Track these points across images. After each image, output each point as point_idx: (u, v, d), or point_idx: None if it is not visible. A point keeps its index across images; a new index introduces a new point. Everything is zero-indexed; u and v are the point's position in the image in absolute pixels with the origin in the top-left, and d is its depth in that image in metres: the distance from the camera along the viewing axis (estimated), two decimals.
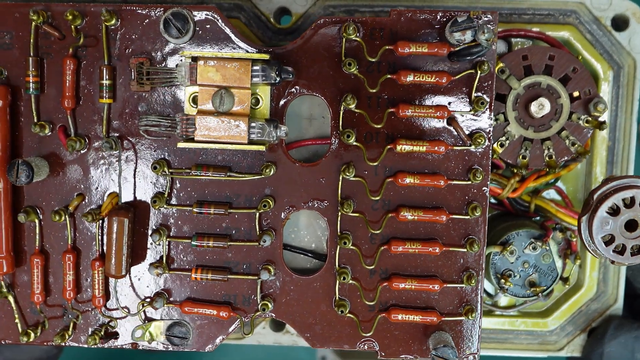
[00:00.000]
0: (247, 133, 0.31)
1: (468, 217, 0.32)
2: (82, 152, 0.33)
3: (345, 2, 0.36)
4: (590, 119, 0.33)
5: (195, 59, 0.31)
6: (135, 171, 0.33)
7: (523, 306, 0.37)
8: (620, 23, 0.36)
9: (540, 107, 0.33)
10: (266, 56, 0.31)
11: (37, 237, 0.33)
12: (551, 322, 0.38)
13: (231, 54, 0.31)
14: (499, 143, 0.34)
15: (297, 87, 0.32)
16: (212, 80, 0.30)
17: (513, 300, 0.37)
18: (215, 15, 0.32)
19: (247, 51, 0.32)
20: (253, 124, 0.31)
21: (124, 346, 0.33)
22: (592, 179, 0.37)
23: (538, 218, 0.37)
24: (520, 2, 0.36)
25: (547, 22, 0.36)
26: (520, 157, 0.34)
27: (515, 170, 0.34)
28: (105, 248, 0.32)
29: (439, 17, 0.31)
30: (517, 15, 0.36)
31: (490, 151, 0.31)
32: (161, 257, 0.33)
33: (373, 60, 0.31)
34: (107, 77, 0.32)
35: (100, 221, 0.33)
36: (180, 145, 0.31)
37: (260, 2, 0.37)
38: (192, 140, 0.31)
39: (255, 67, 0.30)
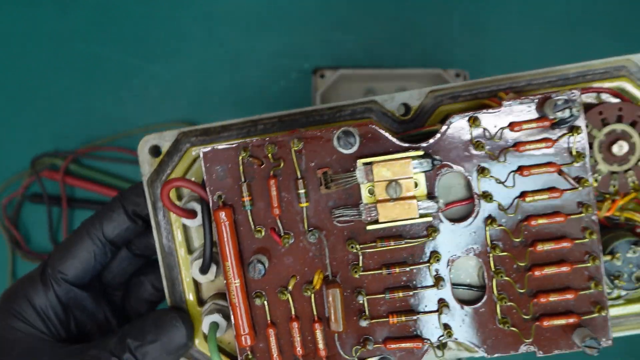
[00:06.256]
0: (417, 210, 0.42)
1: (586, 240, 0.43)
2: (290, 244, 0.43)
3: (449, 91, 0.47)
4: None
5: (369, 163, 0.42)
6: (332, 251, 0.43)
7: (627, 295, 0.47)
8: None
9: (621, 148, 0.44)
10: (421, 152, 0.42)
11: (268, 313, 0.44)
12: None
13: (394, 155, 0.41)
14: (594, 179, 0.45)
15: (443, 168, 0.43)
16: (385, 176, 0.41)
17: (619, 293, 0.47)
18: (374, 127, 0.43)
19: (403, 147, 0.42)
20: (419, 202, 0.42)
21: None
22: None
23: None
24: (583, 66, 0.47)
25: (605, 77, 0.47)
26: (612, 186, 0.45)
27: (607, 196, 0.45)
28: (326, 312, 0.43)
29: (538, 99, 0.42)
30: (582, 77, 0.47)
31: (592, 187, 0.43)
32: (363, 311, 0.44)
33: (498, 141, 0.42)
34: (302, 187, 0.43)
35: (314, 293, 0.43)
36: (370, 227, 0.42)
37: (385, 103, 0.48)
38: (377, 222, 0.42)
39: (414, 162, 0.41)
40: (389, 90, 0.87)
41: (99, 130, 0.85)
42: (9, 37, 0.84)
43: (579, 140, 0.42)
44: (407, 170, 0.41)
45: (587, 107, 0.45)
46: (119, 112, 0.86)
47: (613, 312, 0.48)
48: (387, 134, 0.43)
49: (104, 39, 0.86)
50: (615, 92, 0.46)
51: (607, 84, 0.46)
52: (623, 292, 0.47)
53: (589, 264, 0.43)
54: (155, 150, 0.48)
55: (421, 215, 0.42)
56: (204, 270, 0.46)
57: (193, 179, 0.48)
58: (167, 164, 0.48)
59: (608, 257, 0.45)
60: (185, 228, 0.49)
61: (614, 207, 0.45)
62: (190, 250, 0.49)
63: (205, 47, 0.90)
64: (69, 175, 0.83)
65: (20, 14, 0.84)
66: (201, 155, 0.43)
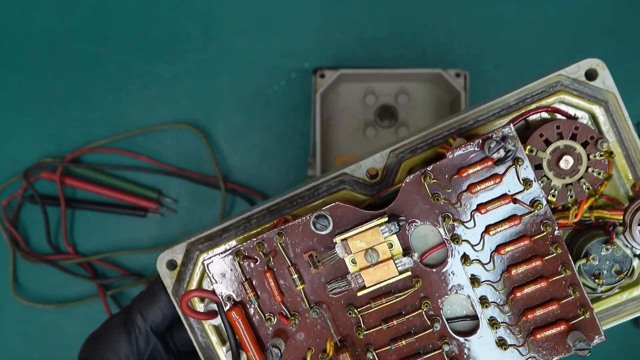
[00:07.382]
0: (396, 268, 0.47)
1: (555, 254, 0.47)
2: (299, 323, 0.49)
3: (408, 146, 0.52)
4: (602, 153, 0.48)
5: (344, 239, 0.47)
6: (336, 319, 0.49)
7: (618, 284, 0.51)
8: (592, 74, 0.51)
9: (567, 162, 0.48)
10: (385, 218, 0.47)
11: None
12: None
13: (363, 227, 0.47)
14: (551, 195, 0.49)
15: (411, 224, 0.48)
16: (360, 247, 0.47)
17: (609, 287, 0.51)
18: (340, 205, 0.48)
19: (370, 215, 0.48)
20: (397, 261, 0.47)
21: None
22: (624, 179, 0.51)
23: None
24: (520, 92, 0.51)
25: (543, 96, 0.51)
26: (569, 197, 0.49)
27: (570, 205, 0.49)
28: None
29: (477, 143, 0.46)
30: (522, 102, 0.51)
31: (548, 207, 0.47)
32: None
33: (449, 190, 0.47)
34: (294, 272, 0.48)
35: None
36: (360, 293, 0.47)
37: (354, 172, 0.53)
38: (365, 287, 0.47)
39: (382, 228, 0.47)
40: (389, 90, 0.90)
41: (99, 131, 0.85)
42: (9, 37, 0.84)
43: (524, 169, 0.47)
44: (378, 237, 0.47)
45: (533, 129, 0.50)
46: (119, 112, 0.86)
47: (611, 302, 0.52)
48: (354, 207, 0.48)
49: (104, 39, 0.85)
50: (553, 109, 0.50)
51: (548, 101, 0.50)
52: (616, 288, 0.51)
53: (563, 274, 0.47)
54: (171, 264, 0.55)
55: (401, 272, 0.47)
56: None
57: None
58: (185, 273, 0.55)
59: (583, 260, 0.49)
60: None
61: (581, 212, 0.49)
62: (223, 341, 0.56)
63: (205, 47, 0.90)
64: (69, 176, 0.83)
65: (20, 14, 0.84)
66: (205, 266, 0.49)
